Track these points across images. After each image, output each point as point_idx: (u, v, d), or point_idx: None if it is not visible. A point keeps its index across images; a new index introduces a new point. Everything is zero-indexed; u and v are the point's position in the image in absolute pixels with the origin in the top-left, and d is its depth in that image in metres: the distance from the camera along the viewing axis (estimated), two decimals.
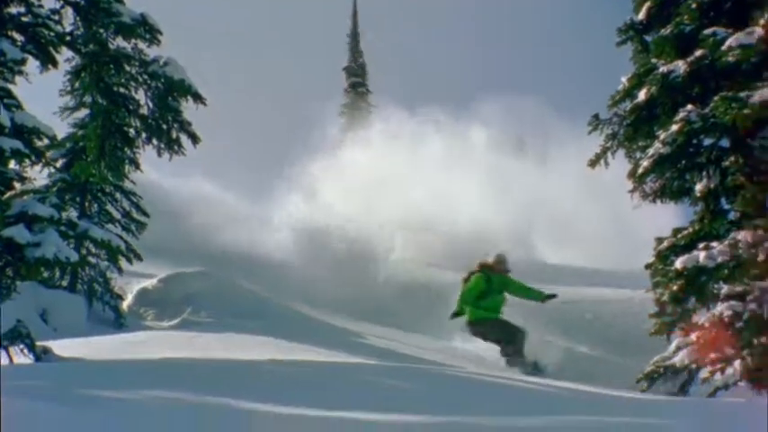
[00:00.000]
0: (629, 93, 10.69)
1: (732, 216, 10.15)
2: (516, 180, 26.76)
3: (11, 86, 9.29)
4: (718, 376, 8.60)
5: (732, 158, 9.81)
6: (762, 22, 8.99)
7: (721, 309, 8.62)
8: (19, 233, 8.47)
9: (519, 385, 7.25)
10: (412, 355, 11.73)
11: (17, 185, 9.24)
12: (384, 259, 21.74)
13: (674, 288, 9.27)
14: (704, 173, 10.12)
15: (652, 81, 10.07)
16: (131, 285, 16.11)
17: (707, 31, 9.58)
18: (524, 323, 11.36)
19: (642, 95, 10.29)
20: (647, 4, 10.70)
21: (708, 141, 9.78)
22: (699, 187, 10.21)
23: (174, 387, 5.70)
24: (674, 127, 9.57)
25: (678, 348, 9.30)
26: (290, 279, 19.66)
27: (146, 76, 10.44)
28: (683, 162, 9.99)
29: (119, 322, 14.27)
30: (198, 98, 12.69)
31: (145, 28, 9.97)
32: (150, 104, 12.41)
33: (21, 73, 9.37)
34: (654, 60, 10.39)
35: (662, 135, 9.81)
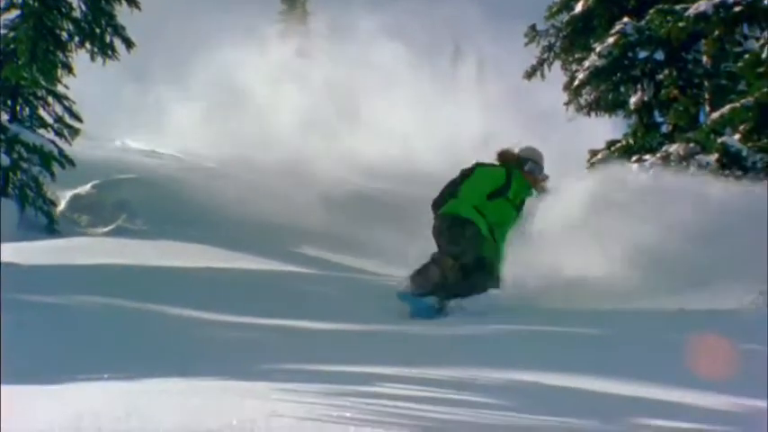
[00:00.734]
0: (567, 4, 10.71)
1: (665, 129, 10.36)
2: (450, 95, 26.47)
3: None
4: None
5: (666, 71, 9.95)
6: None
7: None
8: None
9: None
10: (343, 263, 11.51)
11: None
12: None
13: None
14: (639, 86, 10.27)
15: None
16: (64, 192, 15.81)
17: None
18: None
19: (579, 7, 10.33)
20: None
21: (643, 54, 9.90)
22: (633, 100, 10.36)
23: (106, 293, 5.69)
24: (610, 39, 9.65)
25: None
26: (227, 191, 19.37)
27: None
28: (618, 75, 10.12)
29: (51, 228, 13.99)
30: (132, 2, 12.36)
31: None
32: (83, 7, 12.05)
33: None
34: None
35: (598, 48, 9.88)
